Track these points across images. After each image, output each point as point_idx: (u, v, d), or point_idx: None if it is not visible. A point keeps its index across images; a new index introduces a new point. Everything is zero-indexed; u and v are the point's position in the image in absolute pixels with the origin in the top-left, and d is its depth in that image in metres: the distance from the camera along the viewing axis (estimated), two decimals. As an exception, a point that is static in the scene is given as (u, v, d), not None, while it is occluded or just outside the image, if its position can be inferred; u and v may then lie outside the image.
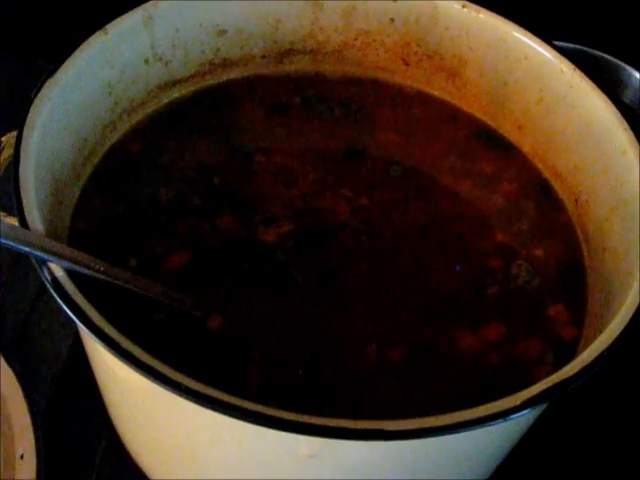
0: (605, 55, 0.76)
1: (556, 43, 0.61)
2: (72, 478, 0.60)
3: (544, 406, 0.46)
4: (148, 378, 0.38)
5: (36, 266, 0.43)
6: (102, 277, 0.46)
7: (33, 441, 0.58)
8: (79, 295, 0.42)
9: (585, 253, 0.58)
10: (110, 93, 0.59)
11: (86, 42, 0.55)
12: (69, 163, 0.55)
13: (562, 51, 0.60)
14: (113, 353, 0.39)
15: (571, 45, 0.73)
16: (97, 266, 0.46)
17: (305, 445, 0.41)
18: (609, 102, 0.57)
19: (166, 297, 0.49)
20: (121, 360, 0.39)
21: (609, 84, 0.59)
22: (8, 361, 0.62)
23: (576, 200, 0.60)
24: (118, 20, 0.58)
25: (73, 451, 0.61)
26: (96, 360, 0.50)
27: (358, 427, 0.38)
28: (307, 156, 0.61)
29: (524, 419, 0.46)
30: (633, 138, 0.54)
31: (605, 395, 0.64)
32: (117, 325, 0.41)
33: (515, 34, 0.61)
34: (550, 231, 0.59)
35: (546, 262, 0.57)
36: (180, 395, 0.38)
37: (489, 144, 0.64)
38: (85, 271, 0.45)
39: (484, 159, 0.63)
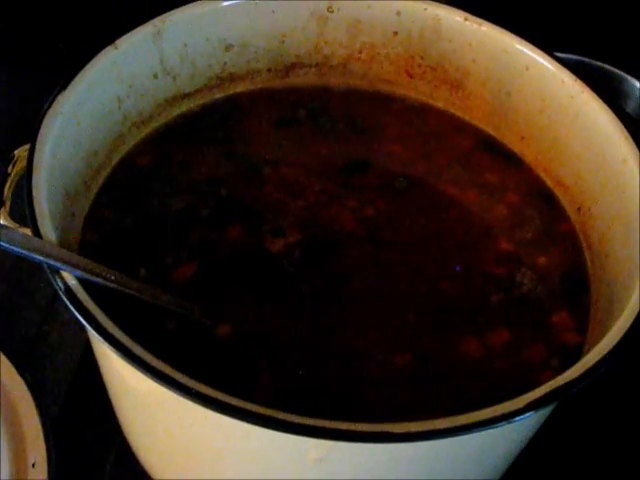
0: (606, 66, 0.77)
1: (557, 54, 0.62)
2: (84, 485, 0.61)
3: (549, 409, 0.47)
4: (159, 383, 0.39)
5: (49, 275, 0.44)
6: (113, 285, 0.47)
7: (44, 449, 0.58)
8: (91, 302, 0.43)
9: (588, 260, 0.58)
10: (119, 107, 0.60)
11: (96, 57, 0.56)
12: (80, 175, 0.56)
13: (563, 62, 0.61)
14: (124, 359, 0.40)
15: (573, 56, 0.74)
16: (108, 275, 0.47)
17: (314, 449, 0.42)
18: (610, 112, 0.58)
19: (175, 305, 0.50)
20: (132, 365, 0.40)
21: (611, 94, 0.60)
22: (20, 371, 0.63)
23: (579, 209, 0.61)
24: (128, 35, 0.59)
25: (84, 459, 0.62)
26: (107, 367, 0.51)
27: (366, 430, 0.38)
28: (313, 168, 0.62)
29: (530, 422, 0.46)
30: (634, 147, 0.55)
31: (612, 400, 0.64)
32: (129, 334, 0.42)
33: (517, 46, 0.62)
34: (553, 239, 0.60)
35: (550, 270, 0.57)
36: (190, 399, 0.39)
37: (493, 155, 0.65)
38: (96, 279, 0.46)
39: (488, 169, 0.64)
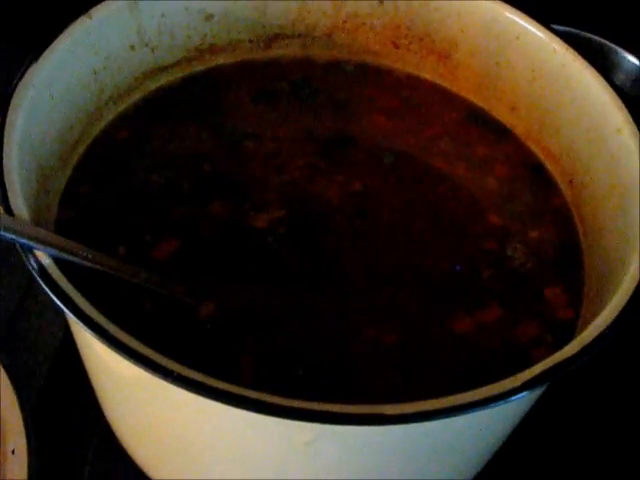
0: (597, 38, 0.75)
1: (546, 25, 0.61)
2: (65, 472, 0.59)
3: (543, 389, 0.45)
4: (139, 366, 0.37)
5: (22, 254, 0.42)
6: (90, 264, 0.45)
7: (24, 436, 0.57)
8: (66, 282, 0.41)
9: (581, 234, 0.57)
10: (95, 80, 0.58)
11: (70, 27, 0.54)
12: (55, 151, 0.54)
13: (554, 31, 0.60)
14: (102, 341, 0.38)
15: (563, 28, 0.72)
16: (84, 253, 0.45)
17: (303, 432, 0.40)
18: (603, 80, 0.56)
19: (156, 284, 0.48)
20: (110, 347, 0.38)
21: (602, 67, 0.58)
22: (-3, 356, 0.61)
23: (571, 181, 0.59)
24: (103, 5, 0.56)
25: (66, 445, 0.60)
26: (86, 351, 0.49)
27: (358, 412, 0.37)
28: (298, 142, 0.60)
29: (524, 401, 0.45)
30: (628, 116, 0.54)
31: (599, 388, 0.63)
32: (109, 316, 0.40)
33: (507, 14, 0.61)
34: (545, 213, 0.58)
35: (541, 244, 0.56)
36: (171, 382, 0.37)
37: (482, 127, 0.63)
38: (72, 258, 0.44)
39: (477, 142, 0.62)
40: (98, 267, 0.45)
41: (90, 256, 0.45)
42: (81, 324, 0.39)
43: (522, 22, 0.60)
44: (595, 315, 0.44)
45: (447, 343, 0.49)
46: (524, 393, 0.38)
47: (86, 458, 0.60)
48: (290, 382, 0.46)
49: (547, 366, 0.39)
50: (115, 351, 0.38)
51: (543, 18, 0.60)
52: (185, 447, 0.47)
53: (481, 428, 0.45)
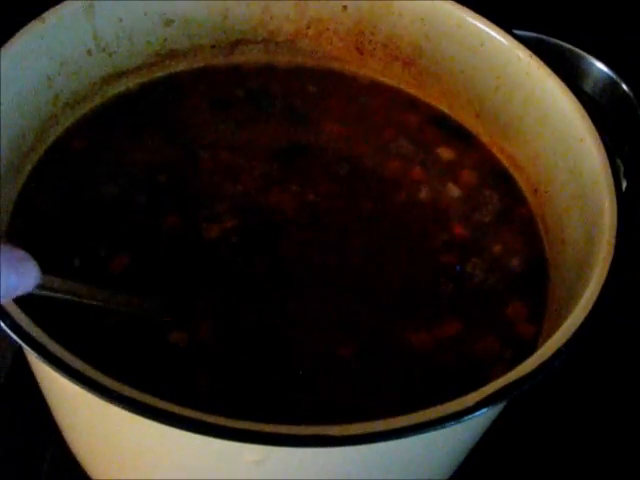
0: (565, 44, 0.75)
1: (514, 31, 0.60)
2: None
3: (501, 406, 0.44)
4: (78, 385, 0.36)
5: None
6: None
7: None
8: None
9: (546, 246, 0.56)
10: (50, 86, 0.56)
11: (21, 32, 0.52)
12: (6, 159, 0.52)
13: (519, 38, 0.59)
14: (42, 360, 0.37)
15: (530, 33, 0.72)
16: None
17: (252, 451, 0.39)
18: (567, 89, 0.55)
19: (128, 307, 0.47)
20: (50, 366, 0.37)
21: (569, 73, 0.57)
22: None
23: (535, 190, 0.58)
24: (56, 8, 0.55)
25: (20, 459, 0.59)
26: (33, 363, 0.48)
27: (304, 433, 0.36)
28: (254, 151, 0.58)
29: (480, 418, 0.44)
30: (591, 126, 0.53)
31: (568, 390, 0.62)
32: (54, 331, 0.39)
33: (471, 20, 0.60)
34: (510, 223, 0.57)
35: (505, 256, 0.55)
36: (109, 401, 0.36)
37: (446, 133, 0.62)
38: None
39: (440, 148, 0.61)
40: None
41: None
42: (20, 341, 0.38)
43: (486, 29, 0.59)
44: (555, 330, 0.43)
45: (403, 358, 0.48)
46: (477, 413, 0.37)
47: (41, 471, 0.59)
48: (242, 396, 0.45)
49: (501, 384, 0.38)
50: (55, 370, 0.37)
51: (507, 24, 0.60)
52: (133, 462, 0.46)
53: (437, 445, 0.44)
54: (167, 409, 0.35)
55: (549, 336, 0.43)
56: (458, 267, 0.54)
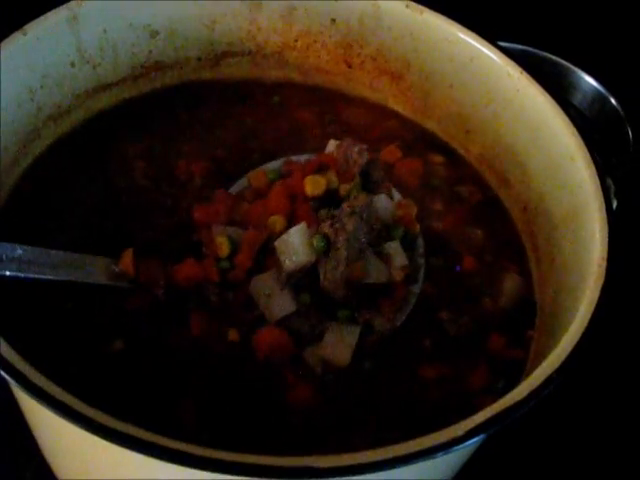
0: (554, 57, 0.74)
1: (504, 44, 0.59)
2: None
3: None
4: (52, 410, 0.35)
5: None
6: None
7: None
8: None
9: (532, 265, 0.55)
10: (32, 99, 0.55)
11: (2, 44, 0.51)
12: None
13: (509, 53, 0.58)
14: (18, 385, 0.36)
15: (519, 46, 0.71)
16: None
17: None
18: (557, 106, 0.54)
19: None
20: (26, 393, 0.36)
21: (558, 87, 0.57)
22: None
23: (525, 208, 0.57)
24: (39, 20, 0.54)
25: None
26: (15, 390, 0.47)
27: (289, 465, 0.35)
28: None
29: (467, 449, 0.43)
30: (581, 143, 0.52)
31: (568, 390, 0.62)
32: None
33: (460, 35, 0.59)
34: (497, 246, 0.57)
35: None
36: (86, 429, 0.34)
37: (433, 150, 0.61)
38: None
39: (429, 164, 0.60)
40: None
41: None
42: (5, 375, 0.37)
43: (476, 44, 0.58)
44: (545, 355, 0.42)
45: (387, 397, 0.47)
46: (467, 443, 0.36)
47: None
48: (228, 426, 0.44)
49: (490, 414, 0.37)
50: (31, 396, 0.36)
51: (497, 35, 0.59)
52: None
53: (428, 472, 0.43)
54: (153, 441, 0.34)
55: (537, 362, 0.42)
56: (457, 267, 0.54)
